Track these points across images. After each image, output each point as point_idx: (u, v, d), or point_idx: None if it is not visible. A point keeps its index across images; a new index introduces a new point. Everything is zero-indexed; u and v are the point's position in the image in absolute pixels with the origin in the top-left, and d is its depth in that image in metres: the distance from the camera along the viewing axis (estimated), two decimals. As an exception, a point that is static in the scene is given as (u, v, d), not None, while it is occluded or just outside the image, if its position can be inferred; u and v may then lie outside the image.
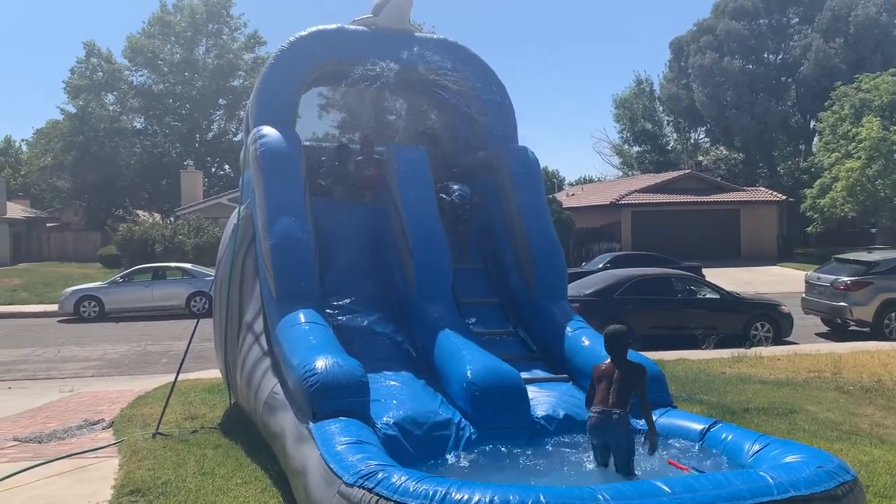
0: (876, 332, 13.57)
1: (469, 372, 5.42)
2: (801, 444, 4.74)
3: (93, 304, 19.27)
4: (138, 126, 49.11)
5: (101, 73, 47.01)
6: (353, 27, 7.60)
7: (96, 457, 6.35)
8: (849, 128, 30.43)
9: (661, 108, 53.28)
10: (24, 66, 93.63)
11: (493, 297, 7.26)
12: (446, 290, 6.64)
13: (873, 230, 35.64)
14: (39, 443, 6.90)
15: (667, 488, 3.60)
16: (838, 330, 14.61)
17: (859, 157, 28.92)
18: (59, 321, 19.03)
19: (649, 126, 54.96)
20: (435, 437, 5.06)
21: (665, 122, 54.49)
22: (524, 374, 5.84)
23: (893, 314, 13.69)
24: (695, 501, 3.55)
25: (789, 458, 4.19)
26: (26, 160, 53.51)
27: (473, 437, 5.15)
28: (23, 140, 59.78)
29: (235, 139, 48.15)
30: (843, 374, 9.43)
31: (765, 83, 43.15)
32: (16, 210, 42.54)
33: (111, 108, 47.74)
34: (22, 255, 39.60)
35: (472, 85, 7.41)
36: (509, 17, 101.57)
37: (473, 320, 6.85)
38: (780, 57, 44.66)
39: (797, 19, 44.50)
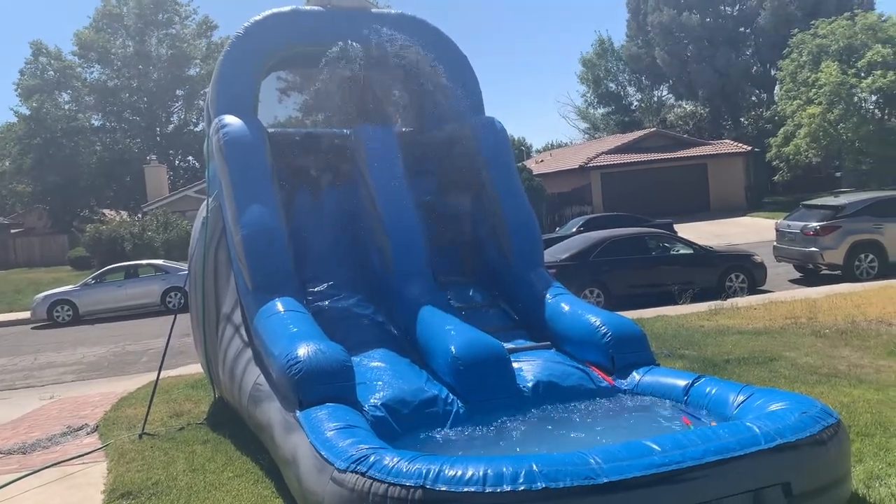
0: (847, 274, 13.83)
1: (453, 346, 5.42)
2: (783, 391, 4.82)
3: (66, 307, 18.99)
4: (96, 123, 48.20)
5: (52, 72, 45.98)
6: (308, 7, 7.46)
7: (83, 463, 6.28)
8: (808, 74, 30.71)
9: (623, 68, 53.28)
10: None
11: (470, 270, 7.25)
12: (424, 266, 6.61)
13: (838, 174, 36.16)
14: (24, 453, 6.79)
15: (657, 447, 3.64)
16: (811, 275, 14.87)
17: (820, 103, 29.24)
18: (32, 328, 18.75)
19: (613, 87, 55.00)
20: (423, 415, 5.06)
21: (628, 81, 54.56)
22: (507, 345, 5.85)
23: (863, 255, 13.96)
24: (685, 457, 3.59)
25: (774, 407, 4.24)
26: (-17, 167, 52.26)
27: (461, 411, 5.15)
28: (-23, 146, 58.30)
29: (197, 129, 47.50)
30: (819, 319, 9.60)
31: (724, 36, 43.32)
32: (-23, 219, 41.65)
33: (66, 107, 46.77)
34: (-12, 264, 38.83)
35: (432, 61, 7.32)
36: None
37: (453, 294, 6.84)
38: (737, 8, 44.81)
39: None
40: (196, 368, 9.48)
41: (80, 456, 6.46)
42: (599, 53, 54.62)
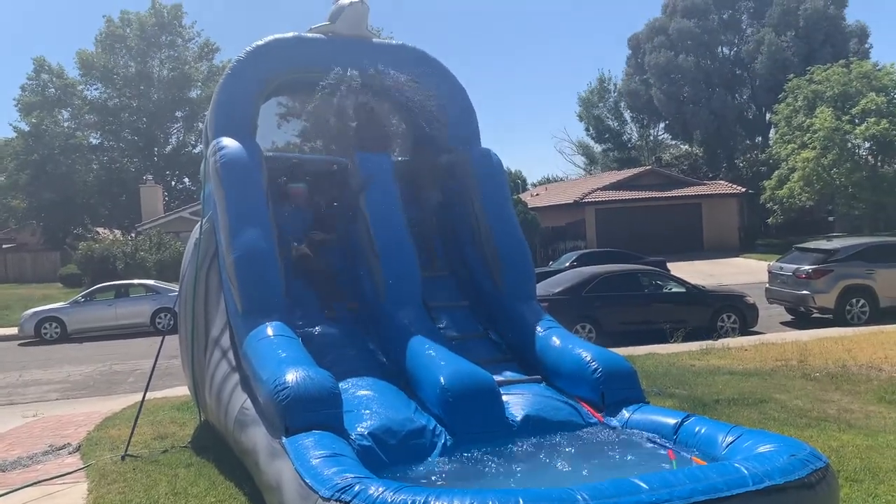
0: (838, 318, 13.85)
1: (442, 377, 5.38)
2: (772, 433, 4.79)
3: (54, 325, 18.85)
4: (94, 142, 48.35)
5: (53, 90, 46.21)
6: (310, 35, 7.53)
7: (63, 483, 6.19)
8: (803, 119, 31.09)
9: (623, 105, 53.90)
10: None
11: (462, 301, 7.24)
12: (416, 295, 6.60)
13: (831, 218, 36.44)
14: (3, 471, 6.69)
15: (644, 485, 3.61)
16: (802, 318, 14.89)
17: (814, 148, 29.54)
18: (19, 344, 18.58)
19: (612, 123, 55.55)
20: (411, 446, 5.01)
21: (627, 118, 55.16)
22: (497, 377, 5.81)
23: (854, 300, 14.00)
24: (672, 496, 3.56)
25: (762, 448, 4.22)
26: (-22, 181, 52.16)
27: (449, 442, 5.10)
28: (-27, 160, 58.27)
29: (195, 151, 47.65)
30: (809, 362, 9.59)
31: (720, 78, 43.93)
32: (-30, 233, 41.51)
33: (66, 124, 46.92)
34: (-22, 279, 38.60)
35: (429, 92, 7.37)
36: (467, 17, 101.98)
37: (444, 324, 6.82)
38: (733, 52, 45.51)
39: (748, 14, 45.35)
40: (182, 390, 9.40)
41: (60, 476, 6.36)
42: (599, 92, 55.18)
